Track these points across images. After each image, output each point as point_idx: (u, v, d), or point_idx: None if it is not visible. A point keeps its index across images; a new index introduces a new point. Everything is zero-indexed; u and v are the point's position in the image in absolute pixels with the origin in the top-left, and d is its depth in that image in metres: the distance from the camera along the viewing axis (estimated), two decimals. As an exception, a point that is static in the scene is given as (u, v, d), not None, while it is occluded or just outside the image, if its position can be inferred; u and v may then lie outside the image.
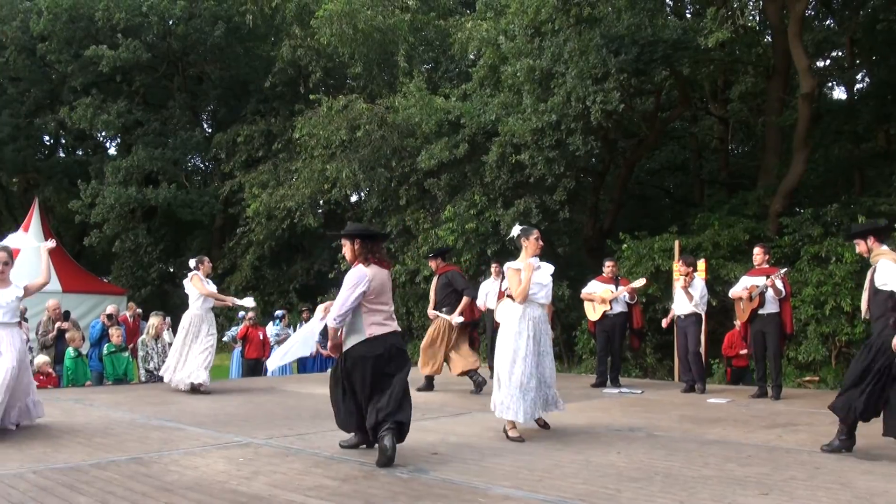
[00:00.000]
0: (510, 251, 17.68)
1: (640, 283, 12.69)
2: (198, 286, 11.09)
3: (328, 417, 8.30)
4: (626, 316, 12.49)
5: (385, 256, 6.73)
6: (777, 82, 17.92)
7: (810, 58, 17.13)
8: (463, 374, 11.30)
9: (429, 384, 11.59)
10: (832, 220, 15.18)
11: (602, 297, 12.37)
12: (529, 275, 7.57)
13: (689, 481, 5.62)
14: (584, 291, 12.88)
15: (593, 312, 12.58)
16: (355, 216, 23.15)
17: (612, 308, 12.34)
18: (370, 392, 6.35)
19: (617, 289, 12.35)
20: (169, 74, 29.07)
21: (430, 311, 11.58)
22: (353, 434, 6.84)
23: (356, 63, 22.49)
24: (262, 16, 25.75)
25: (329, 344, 6.70)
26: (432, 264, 12.01)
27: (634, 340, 13.56)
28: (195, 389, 10.89)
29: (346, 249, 6.67)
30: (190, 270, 11.33)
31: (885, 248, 6.99)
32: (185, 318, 11.17)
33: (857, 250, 7.29)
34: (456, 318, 11.11)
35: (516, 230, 8.07)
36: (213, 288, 11.45)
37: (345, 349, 6.49)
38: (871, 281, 6.90)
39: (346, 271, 6.65)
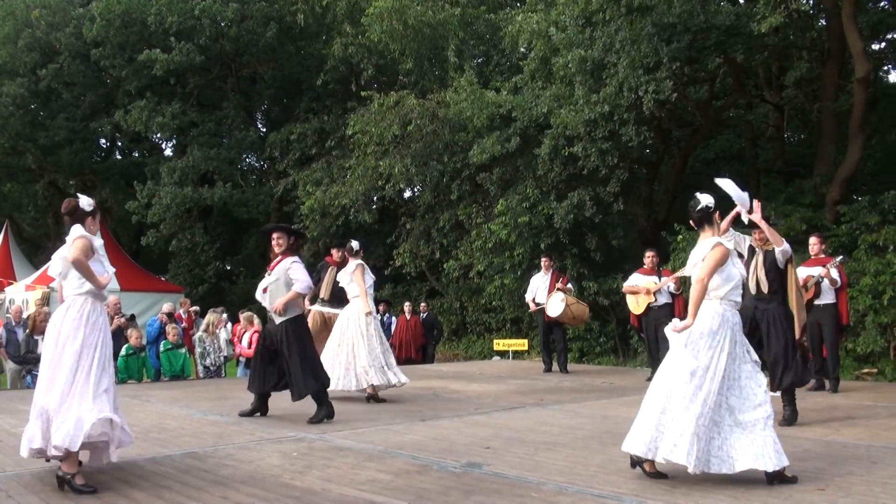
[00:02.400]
0: (564, 244, 17.60)
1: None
2: (360, 281, 9.95)
3: (381, 412, 8.33)
4: (671, 307, 12.23)
5: None
6: (832, 67, 17.54)
7: (865, 41, 16.76)
8: None
9: None
10: (889, 207, 14.84)
11: (646, 288, 12.16)
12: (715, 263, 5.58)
13: (745, 476, 5.51)
14: (626, 284, 12.70)
15: (637, 305, 12.36)
16: (408, 212, 23.20)
17: (656, 300, 12.12)
18: (308, 357, 8.10)
19: (660, 280, 12.13)
20: (222, 76, 29.32)
21: (311, 306, 11.22)
22: (253, 403, 8.37)
23: (407, 59, 22.51)
24: (313, 15, 25.83)
25: (281, 303, 8.02)
26: (337, 254, 11.46)
27: None
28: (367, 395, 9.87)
29: (283, 241, 8.27)
30: (349, 258, 10.19)
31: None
32: (345, 311, 10.01)
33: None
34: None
35: (709, 200, 5.86)
36: None
37: (286, 318, 8.08)
38: (772, 262, 8.02)
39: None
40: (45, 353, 5.50)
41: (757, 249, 8.13)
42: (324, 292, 11.31)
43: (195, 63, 26.14)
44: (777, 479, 5.29)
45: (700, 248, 5.70)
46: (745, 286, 7.39)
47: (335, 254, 11.58)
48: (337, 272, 11.15)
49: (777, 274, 7.99)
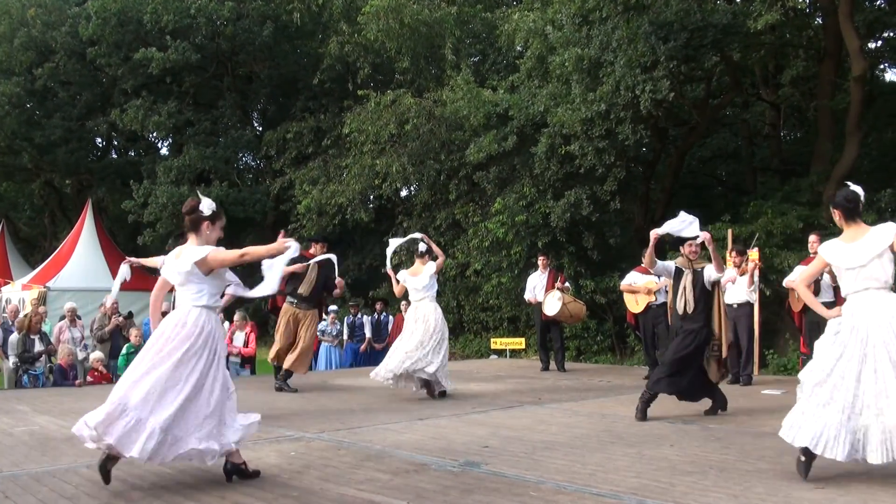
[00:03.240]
0: (561, 243, 17.59)
1: None
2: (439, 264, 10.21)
3: (380, 411, 8.32)
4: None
5: None
6: (828, 65, 17.54)
7: (862, 39, 16.74)
8: (284, 366, 10.74)
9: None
10: (886, 205, 14.84)
11: (647, 287, 12.15)
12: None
13: (743, 475, 5.52)
14: (624, 283, 12.70)
15: (636, 304, 12.35)
16: (405, 211, 23.20)
17: (656, 299, 12.12)
18: None
19: (660, 279, 12.10)
20: (218, 74, 29.26)
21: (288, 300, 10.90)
22: None
23: (403, 58, 22.47)
24: (309, 13, 25.80)
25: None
26: (320, 249, 10.82)
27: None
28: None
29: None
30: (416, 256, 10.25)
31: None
32: (434, 311, 9.97)
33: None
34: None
35: (862, 191, 5.67)
36: None
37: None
38: (700, 283, 8.25)
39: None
40: (150, 356, 5.14)
41: (685, 270, 8.35)
42: (304, 288, 10.72)
43: (191, 62, 26.09)
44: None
45: (873, 236, 5.37)
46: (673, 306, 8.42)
47: (316, 248, 10.94)
48: (318, 269, 10.74)
49: (703, 294, 8.26)
